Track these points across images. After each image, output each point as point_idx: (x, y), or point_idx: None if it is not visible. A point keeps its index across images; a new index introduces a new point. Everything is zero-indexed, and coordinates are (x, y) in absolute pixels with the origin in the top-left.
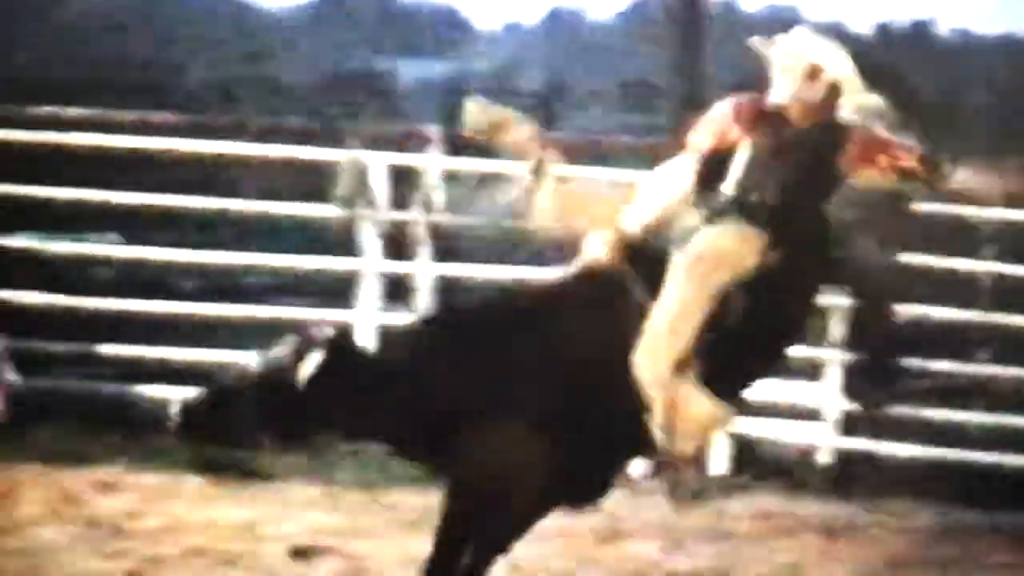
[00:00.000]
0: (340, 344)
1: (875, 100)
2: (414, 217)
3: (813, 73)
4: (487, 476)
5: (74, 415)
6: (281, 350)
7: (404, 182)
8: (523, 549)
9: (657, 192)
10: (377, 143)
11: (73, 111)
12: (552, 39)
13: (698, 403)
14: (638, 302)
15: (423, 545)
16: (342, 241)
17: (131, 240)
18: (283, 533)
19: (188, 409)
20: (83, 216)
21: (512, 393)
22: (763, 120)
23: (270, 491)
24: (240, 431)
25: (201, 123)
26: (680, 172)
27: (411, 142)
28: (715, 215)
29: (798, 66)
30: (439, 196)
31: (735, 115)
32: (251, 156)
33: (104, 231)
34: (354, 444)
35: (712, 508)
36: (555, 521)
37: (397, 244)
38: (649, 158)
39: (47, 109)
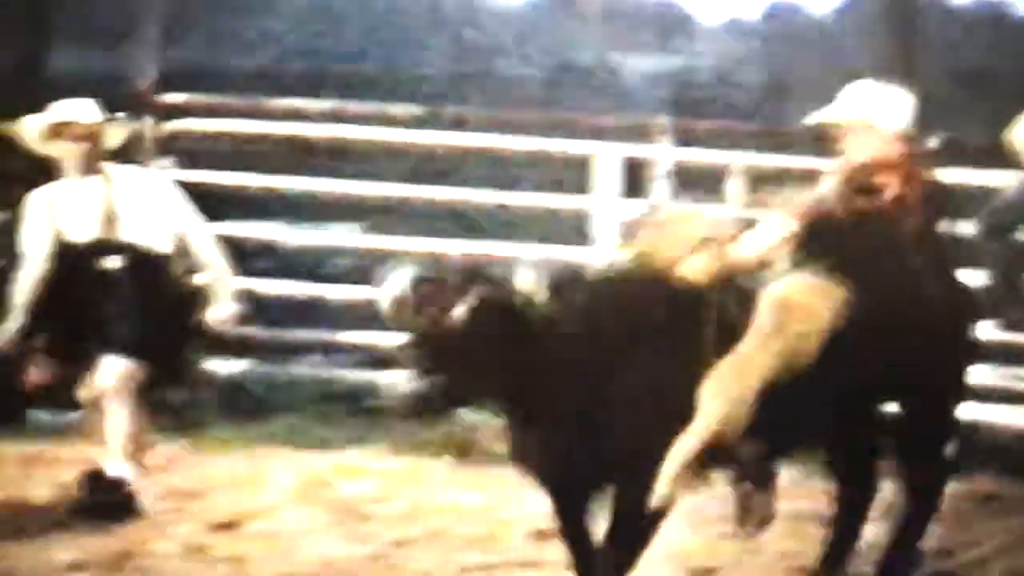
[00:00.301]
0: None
1: None
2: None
3: (870, 131)
4: None
5: (318, 401)
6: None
7: (635, 173)
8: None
9: (761, 234)
10: (609, 135)
11: (312, 103)
12: (772, 34)
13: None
14: (720, 326)
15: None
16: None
17: (369, 230)
18: (523, 515)
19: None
20: (322, 206)
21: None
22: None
23: (511, 474)
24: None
25: (436, 115)
26: (784, 223)
27: (642, 134)
28: (801, 263)
29: (861, 127)
30: (667, 187)
31: (846, 182)
32: (484, 148)
33: (343, 221)
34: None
35: None
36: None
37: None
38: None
39: (287, 101)
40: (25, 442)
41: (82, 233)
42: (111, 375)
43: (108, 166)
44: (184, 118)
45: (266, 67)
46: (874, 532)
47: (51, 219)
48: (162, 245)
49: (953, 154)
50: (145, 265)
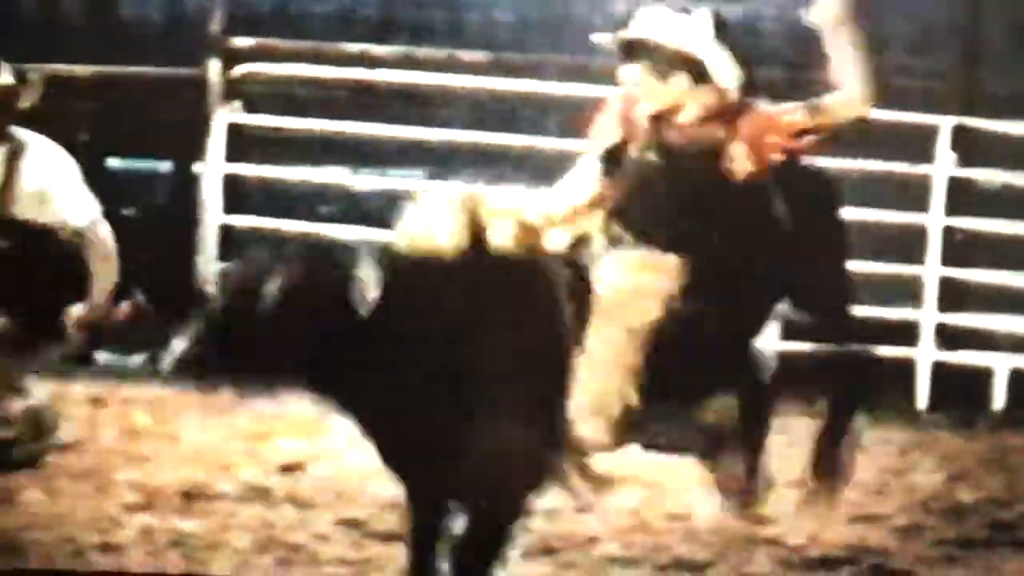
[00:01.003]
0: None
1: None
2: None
3: (672, 64)
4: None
5: None
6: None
7: None
8: None
9: (564, 190)
10: None
11: (380, 49)
12: None
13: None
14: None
15: None
16: None
17: (435, 176)
18: None
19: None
20: (388, 152)
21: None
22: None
23: None
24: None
25: (505, 62)
26: (585, 173)
27: None
28: (618, 242)
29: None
30: None
31: (621, 120)
32: (552, 94)
33: (409, 167)
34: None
35: (993, 442)
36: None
37: None
38: None
39: (355, 46)
40: (93, 383)
41: None
42: None
43: (17, 131)
44: (253, 62)
45: (336, 12)
46: None
47: None
48: (57, 223)
49: None
50: (35, 244)
